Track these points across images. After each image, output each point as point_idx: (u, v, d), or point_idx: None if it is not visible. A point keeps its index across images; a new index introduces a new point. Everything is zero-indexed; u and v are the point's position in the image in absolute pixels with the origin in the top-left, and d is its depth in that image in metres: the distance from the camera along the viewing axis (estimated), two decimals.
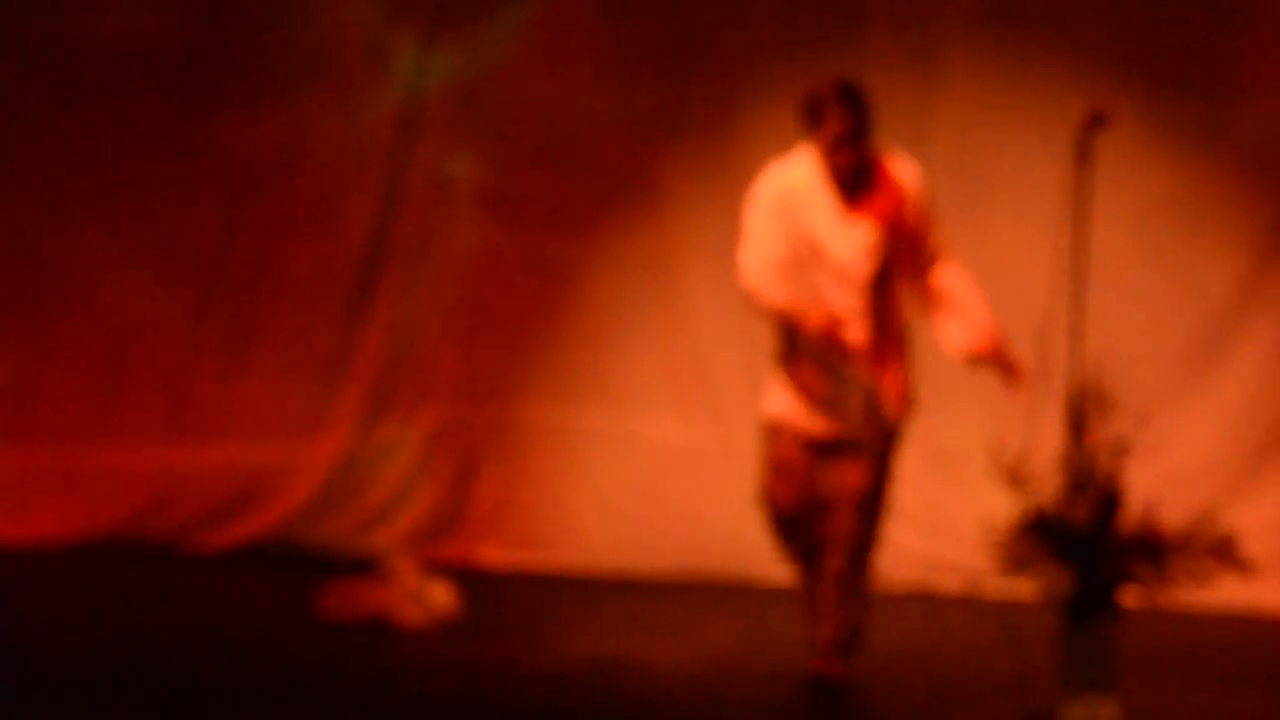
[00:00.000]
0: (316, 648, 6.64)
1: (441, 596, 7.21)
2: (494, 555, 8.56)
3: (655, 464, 8.49)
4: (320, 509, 8.72)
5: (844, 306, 6.11)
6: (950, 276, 6.16)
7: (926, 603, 7.88)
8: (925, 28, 8.29)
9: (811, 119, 6.14)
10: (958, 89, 8.29)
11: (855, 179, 6.14)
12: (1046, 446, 5.61)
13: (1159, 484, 5.73)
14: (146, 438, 8.90)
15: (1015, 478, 5.49)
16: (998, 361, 6.08)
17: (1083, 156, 5.69)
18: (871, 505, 6.16)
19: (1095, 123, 5.73)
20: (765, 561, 8.08)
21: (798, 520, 6.17)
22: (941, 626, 7.36)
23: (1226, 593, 6.26)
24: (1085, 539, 5.44)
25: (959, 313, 6.13)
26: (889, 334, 6.17)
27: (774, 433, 6.20)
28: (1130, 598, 5.51)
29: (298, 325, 8.87)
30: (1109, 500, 5.48)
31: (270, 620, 7.21)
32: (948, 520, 8.00)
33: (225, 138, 8.94)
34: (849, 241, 6.11)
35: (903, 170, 6.21)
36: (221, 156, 8.95)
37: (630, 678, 6.33)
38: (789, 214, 6.14)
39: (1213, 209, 8.05)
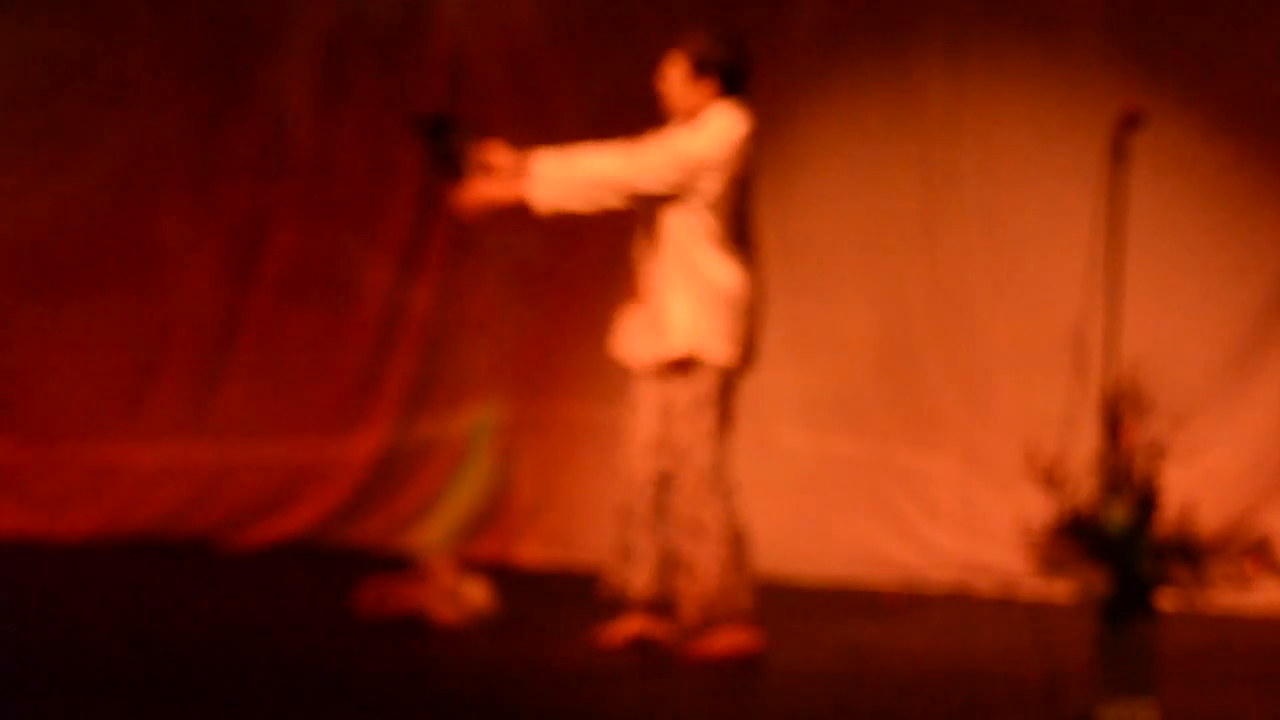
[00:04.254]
0: (352, 645, 6.65)
1: (478, 595, 7.21)
2: (531, 553, 8.58)
3: None
4: (357, 506, 8.75)
5: None
6: None
7: (962, 604, 7.87)
8: (955, 27, 8.27)
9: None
10: (989, 89, 8.27)
11: None
12: (1083, 448, 5.59)
13: (1196, 486, 5.70)
14: (180, 435, 8.93)
15: (1051, 479, 5.48)
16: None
17: (1118, 156, 5.68)
18: None
19: (1130, 122, 5.70)
20: (794, 560, 8.09)
21: None
22: (977, 628, 7.35)
23: (1264, 595, 6.25)
24: (1122, 541, 5.42)
25: None
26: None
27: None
28: (1167, 600, 5.49)
29: (333, 322, 8.90)
30: (1146, 502, 5.46)
31: (306, 617, 7.23)
32: (983, 521, 7.98)
33: (255, 131, 8.98)
34: None
35: None
36: (253, 151, 8.98)
37: (667, 676, 6.33)
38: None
39: (1250, 208, 8.01)
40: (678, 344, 6.37)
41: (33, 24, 9.07)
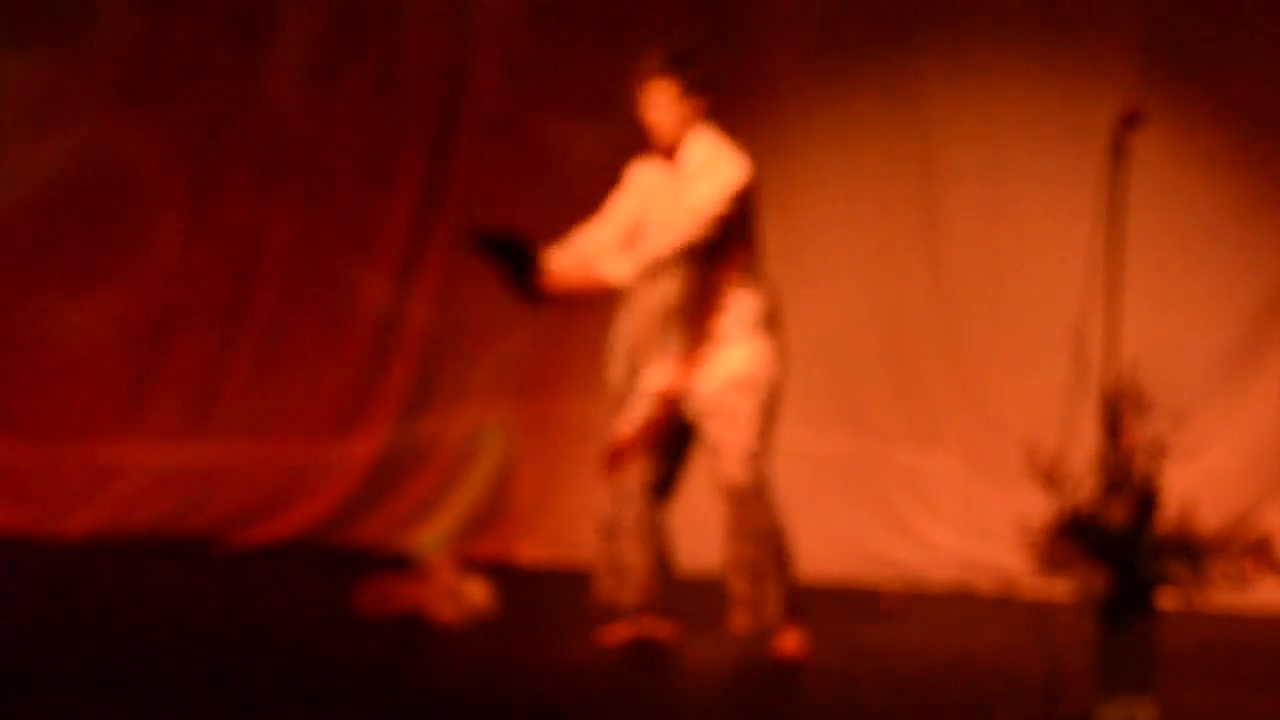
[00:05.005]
0: (353, 644, 6.65)
1: (478, 594, 7.22)
2: (532, 552, 8.57)
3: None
4: (357, 506, 8.74)
5: None
6: None
7: (962, 604, 7.87)
8: (955, 28, 8.27)
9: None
10: (989, 89, 8.27)
11: None
12: (1083, 447, 5.60)
13: (1196, 485, 5.71)
14: (180, 435, 8.93)
15: (1051, 478, 5.48)
16: None
17: (1118, 155, 5.68)
18: None
19: (1130, 121, 5.71)
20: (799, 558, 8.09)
21: None
22: (977, 627, 7.35)
23: (1263, 594, 6.24)
24: (1122, 540, 5.42)
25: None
26: None
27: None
28: (1167, 599, 5.49)
29: (333, 323, 8.90)
30: (1145, 501, 5.46)
31: (307, 617, 7.23)
32: (984, 520, 7.98)
33: (255, 134, 8.98)
34: None
35: None
36: (253, 153, 8.98)
37: (666, 674, 6.33)
38: None
39: (1250, 207, 8.01)
40: (743, 368, 6.41)
41: (33, 24, 9.06)
